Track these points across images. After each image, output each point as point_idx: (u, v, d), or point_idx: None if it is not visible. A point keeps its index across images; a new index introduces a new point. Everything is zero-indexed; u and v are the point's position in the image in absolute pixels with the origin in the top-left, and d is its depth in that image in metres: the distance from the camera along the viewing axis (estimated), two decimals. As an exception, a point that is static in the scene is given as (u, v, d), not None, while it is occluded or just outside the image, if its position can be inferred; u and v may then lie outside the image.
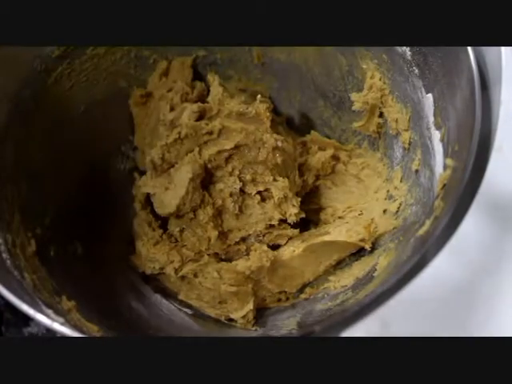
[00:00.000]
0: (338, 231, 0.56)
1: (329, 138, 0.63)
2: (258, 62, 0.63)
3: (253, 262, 0.55)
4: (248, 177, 0.58)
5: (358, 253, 0.57)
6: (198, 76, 0.64)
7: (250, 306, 0.55)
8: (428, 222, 0.43)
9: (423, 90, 0.50)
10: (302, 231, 0.59)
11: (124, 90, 0.62)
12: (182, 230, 0.59)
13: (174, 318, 0.57)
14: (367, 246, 0.54)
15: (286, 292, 0.58)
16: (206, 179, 0.57)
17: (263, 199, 0.59)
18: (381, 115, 0.58)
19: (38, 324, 0.59)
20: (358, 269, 0.54)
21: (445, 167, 0.45)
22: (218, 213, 0.58)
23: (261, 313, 0.57)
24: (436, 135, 0.48)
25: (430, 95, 0.49)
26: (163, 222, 0.60)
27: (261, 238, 0.59)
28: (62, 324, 0.40)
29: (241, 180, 0.58)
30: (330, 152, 0.60)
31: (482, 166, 0.42)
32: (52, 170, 0.55)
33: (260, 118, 0.57)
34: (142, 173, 0.62)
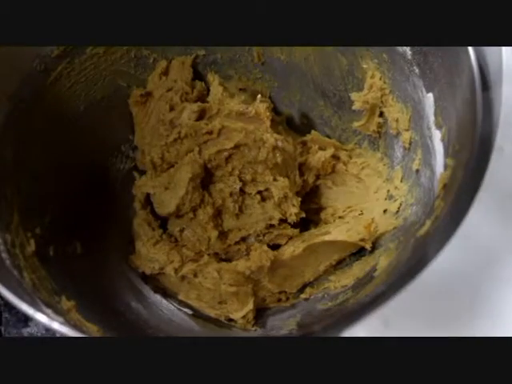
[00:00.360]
0: (339, 231, 0.56)
1: (329, 137, 0.63)
2: (258, 61, 0.63)
3: (253, 262, 0.55)
4: (248, 176, 0.57)
5: (359, 253, 0.57)
6: (198, 76, 0.64)
7: (250, 306, 0.55)
8: (428, 222, 0.42)
9: (424, 89, 0.50)
10: (302, 231, 0.59)
11: (124, 90, 0.62)
12: (181, 230, 0.58)
13: (173, 318, 0.57)
14: (367, 246, 0.54)
15: (286, 292, 0.57)
16: (205, 179, 0.57)
17: (263, 199, 0.59)
18: (381, 115, 0.58)
19: (38, 324, 0.59)
20: (359, 269, 0.54)
21: (445, 167, 0.45)
22: (218, 213, 0.58)
23: (261, 313, 0.57)
24: (436, 135, 0.48)
25: (430, 95, 0.49)
26: (163, 222, 0.60)
27: (261, 237, 0.59)
28: (61, 324, 0.40)
29: (241, 180, 0.57)
30: (330, 152, 0.60)
31: (482, 165, 0.42)
32: (52, 169, 0.55)
33: (260, 118, 0.57)
34: (142, 172, 0.62)
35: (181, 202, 0.56)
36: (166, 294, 0.59)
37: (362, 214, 0.58)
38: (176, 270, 0.57)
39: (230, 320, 0.56)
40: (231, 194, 0.57)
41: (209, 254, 0.57)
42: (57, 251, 0.52)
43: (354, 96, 0.58)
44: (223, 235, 0.58)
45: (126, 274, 0.59)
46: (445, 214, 0.39)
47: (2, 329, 0.59)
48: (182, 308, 0.58)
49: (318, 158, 0.60)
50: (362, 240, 0.54)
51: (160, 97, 0.61)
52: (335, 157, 0.61)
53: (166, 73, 0.62)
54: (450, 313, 0.40)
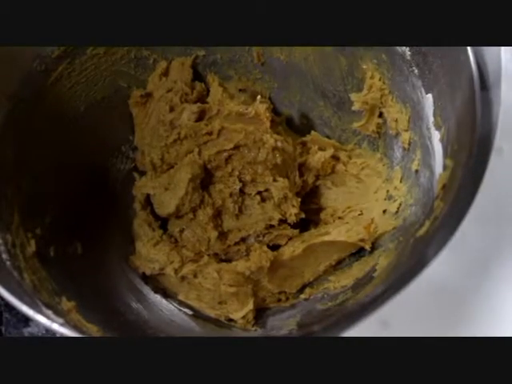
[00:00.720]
0: (338, 231, 0.56)
1: (329, 138, 0.63)
2: (258, 62, 0.63)
3: (253, 263, 0.55)
4: (248, 177, 0.57)
5: (358, 253, 0.57)
6: (197, 76, 0.64)
7: (250, 306, 0.55)
8: (428, 223, 0.42)
9: (423, 90, 0.50)
10: (302, 231, 0.59)
11: (124, 90, 0.62)
12: (181, 231, 0.58)
13: (173, 318, 0.57)
14: (367, 246, 0.54)
15: (285, 292, 0.57)
16: (205, 180, 0.57)
17: (263, 199, 0.59)
18: (380, 115, 0.58)
19: (38, 325, 0.59)
20: (358, 269, 0.54)
21: (444, 167, 0.45)
22: (218, 213, 0.58)
23: (261, 313, 0.57)
24: (436, 135, 0.48)
25: (429, 95, 0.49)
26: (163, 223, 0.60)
27: (261, 238, 0.59)
28: (61, 325, 0.40)
29: (240, 180, 0.58)
30: (329, 152, 0.60)
31: (481, 166, 0.42)
32: (52, 170, 0.55)
33: (260, 119, 0.57)
34: (142, 173, 0.62)
35: (180, 202, 0.56)
36: (166, 294, 0.59)
37: (361, 214, 0.58)
38: (176, 271, 0.57)
39: (230, 320, 0.56)
40: (231, 195, 0.58)
41: (209, 255, 0.57)
42: (57, 252, 0.52)
43: (353, 96, 0.58)
44: (223, 236, 0.58)
45: (126, 275, 0.59)
46: (444, 214, 0.39)
47: (3, 329, 0.59)
48: (182, 308, 0.58)
49: (318, 158, 0.60)
50: (362, 240, 0.54)
51: (160, 97, 0.61)
52: (335, 157, 0.61)
53: (165, 74, 0.62)
54: (450, 313, 0.40)
